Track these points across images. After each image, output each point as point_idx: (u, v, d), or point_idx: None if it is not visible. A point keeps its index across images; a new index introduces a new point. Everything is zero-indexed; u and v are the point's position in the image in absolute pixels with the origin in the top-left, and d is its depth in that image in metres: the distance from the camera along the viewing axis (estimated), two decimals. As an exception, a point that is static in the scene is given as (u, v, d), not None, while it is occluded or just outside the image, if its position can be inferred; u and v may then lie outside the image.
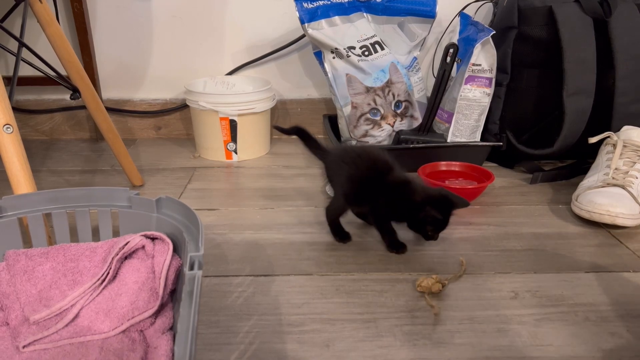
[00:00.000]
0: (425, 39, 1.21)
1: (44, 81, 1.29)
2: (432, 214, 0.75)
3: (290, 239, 0.86)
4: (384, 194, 0.79)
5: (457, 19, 1.21)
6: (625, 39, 1.02)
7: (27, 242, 0.67)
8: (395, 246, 0.81)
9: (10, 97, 0.71)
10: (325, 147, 0.89)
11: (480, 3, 1.26)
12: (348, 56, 1.12)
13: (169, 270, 0.60)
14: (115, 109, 1.38)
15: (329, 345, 0.61)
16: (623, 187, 0.90)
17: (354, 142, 1.16)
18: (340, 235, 0.85)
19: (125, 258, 0.63)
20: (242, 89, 1.33)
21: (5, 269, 0.62)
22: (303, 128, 0.88)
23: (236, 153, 1.24)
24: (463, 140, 1.13)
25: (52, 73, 0.96)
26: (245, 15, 1.32)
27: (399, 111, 1.14)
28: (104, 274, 0.61)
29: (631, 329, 0.64)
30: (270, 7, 1.31)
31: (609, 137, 0.99)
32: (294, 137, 0.90)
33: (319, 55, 1.18)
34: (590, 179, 0.96)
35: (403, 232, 0.87)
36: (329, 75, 1.15)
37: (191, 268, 0.52)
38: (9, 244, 0.64)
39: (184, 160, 1.25)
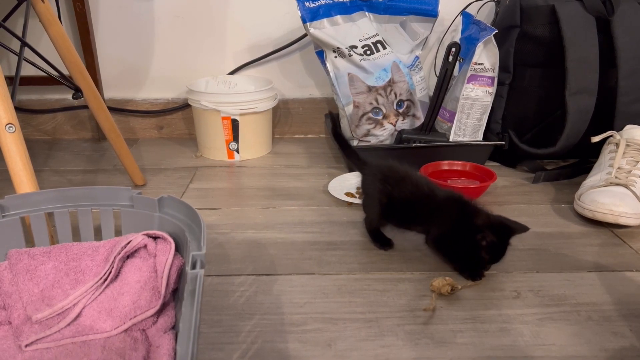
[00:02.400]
0: (427, 38, 1.21)
1: (47, 81, 1.29)
2: (490, 239, 0.70)
3: (292, 238, 0.86)
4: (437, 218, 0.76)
5: (459, 18, 1.21)
6: (627, 38, 1.01)
7: (30, 242, 0.67)
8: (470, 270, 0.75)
9: (12, 96, 0.71)
10: (363, 158, 0.87)
11: (482, 2, 1.26)
12: (350, 55, 1.12)
13: (171, 269, 0.60)
14: (118, 109, 1.38)
15: (331, 344, 0.61)
16: (626, 186, 0.90)
17: (355, 142, 1.16)
18: (380, 241, 0.83)
19: (128, 257, 0.63)
20: (244, 88, 1.33)
21: (7, 268, 0.62)
22: (342, 135, 0.88)
23: (238, 152, 1.24)
24: (465, 139, 1.13)
25: (54, 73, 0.96)
26: (247, 14, 1.32)
27: (401, 110, 1.14)
28: (106, 273, 0.61)
29: (634, 328, 0.64)
30: (272, 6, 1.31)
31: (611, 136, 0.99)
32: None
33: (320, 54, 1.18)
34: (593, 178, 0.96)
35: (404, 234, 0.87)
36: (331, 74, 1.15)
37: (193, 267, 0.52)
38: (12, 243, 0.65)
39: (186, 160, 1.25)
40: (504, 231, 0.72)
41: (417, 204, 0.77)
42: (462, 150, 1.12)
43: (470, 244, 0.72)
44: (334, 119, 0.86)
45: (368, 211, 0.85)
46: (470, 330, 0.63)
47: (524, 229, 0.72)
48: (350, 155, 0.89)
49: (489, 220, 0.72)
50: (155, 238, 0.64)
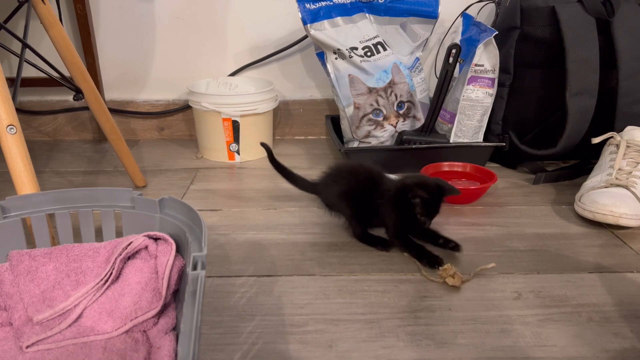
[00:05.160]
0: (427, 39, 1.21)
1: (47, 82, 1.30)
2: (419, 193, 0.75)
3: (293, 239, 0.86)
4: (383, 200, 0.79)
5: (460, 20, 1.21)
6: (628, 39, 1.01)
7: (31, 243, 0.67)
8: (430, 259, 0.77)
9: (13, 98, 0.71)
10: (309, 180, 0.90)
11: (482, 3, 1.26)
12: (350, 57, 1.12)
13: (172, 270, 0.60)
14: (118, 110, 1.38)
15: (332, 345, 0.61)
16: (626, 187, 0.90)
17: (356, 143, 1.16)
18: (378, 243, 0.83)
19: (129, 258, 0.63)
20: (244, 89, 1.34)
21: (8, 269, 0.62)
22: (280, 164, 0.91)
23: (239, 154, 1.24)
24: (466, 140, 1.13)
25: (55, 74, 0.96)
26: (247, 16, 1.32)
27: (401, 112, 1.14)
28: (107, 274, 0.61)
29: (635, 329, 0.64)
30: (273, 8, 1.31)
31: (612, 137, 0.99)
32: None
33: (321, 56, 1.18)
34: (594, 179, 0.96)
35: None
36: (332, 75, 1.15)
37: (194, 268, 0.52)
38: (13, 245, 0.65)
39: (187, 161, 1.25)
40: (432, 189, 0.77)
41: (369, 196, 0.81)
42: (463, 152, 1.12)
43: (407, 209, 0.77)
44: (268, 149, 0.90)
45: (348, 221, 0.86)
46: (471, 331, 0.63)
47: (455, 191, 0.79)
48: (296, 182, 0.91)
49: (422, 182, 0.78)
50: (156, 239, 0.64)
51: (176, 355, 0.53)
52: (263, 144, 0.90)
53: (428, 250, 0.78)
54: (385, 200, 0.80)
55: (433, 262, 0.76)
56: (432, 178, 0.81)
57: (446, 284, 0.72)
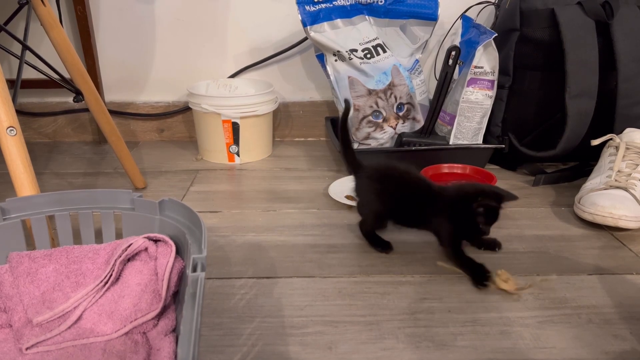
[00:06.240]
0: (427, 41, 1.21)
1: (47, 84, 1.30)
2: (486, 203, 0.73)
3: (293, 241, 0.86)
4: (435, 209, 0.77)
5: (459, 22, 1.21)
6: (627, 42, 1.02)
7: (31, 244, 0.67)
8: (480, 274, 0.74)
9: (13, 99, 0.71)
10: (359, 161, 0.86)
11: (482, 6, 1.26)
12: (350, 59, 1.12)
13: (171, 272, 0.60)
14: (118, 112, 1.38)
15: (332, 347, 0.61)
16: (626, 189, 0.90)
17: (356, 145, 1.16)
18: (379, 245, 0.83)
19: (128, 260, 0.63)
20: (244, 91, 1.34)
21: (8, 271, 0.62)
22: (348, 131, 0.86)
23: (238, 155, 1.24)
24: (465, 142, 1.13)
25: (55, 76, 0.96)
26: (247, 18, 1.33)
27: (401, 113, 1.14)
28: (106, 276, 0.61)
29: (634, 331, 0.64)
30: (273, 9, 1.31)
31: (611, 139, 0.99)
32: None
33: (321, 57, 1.19)
34: (593, 181, 0.96)
35: (406, 234, 0.87)
36: (331, 77, 1.15)
37: (194, 270, 0.52)
38: (13, 246, 0.65)
39: (187, 163, 1.25)
40: (495, 197, 0.75)
41: (416, 202, 0.79)
42: (462, 153, 1.12)
43: (468, 219, 0.75)
44: (347, 109, 0.85)
45: (363, 214, 0.85)
46: (470, 333, 0.63)
47: (513, 197, 0.76)
48: (348, 155, 0.87)
49: (480, 189, 0.76)
50: (156, 241, 0.64)
51: (176, 356, 0.53)
52: (346, 100, 0.86)
53: (479, 263, 0.75)
54: (439, 209, 0.77)
55: (482, 279, 0.73)
56: (487, 185, 0.79)
57: (501, 290, 0.71)
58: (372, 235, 0.84)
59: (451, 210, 0.76)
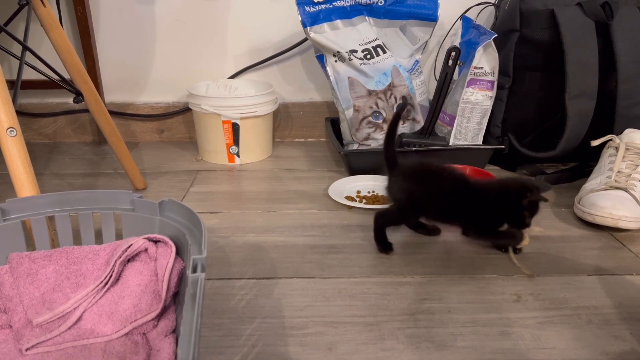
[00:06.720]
0: (427, 42, 1.21)
1: (48, 85, 1.30)
2: (536, 197, 0.75)
3: (293, 241, 0.86)
4: (474, 203, 0.78)
5: (459, 22, 1.21)
6: (627, 42, 1.02)
7: (31, 245, 0.67)
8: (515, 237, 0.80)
9: (14, 100, 0.71)
10: (396, 156, 0.84)
11: (482, 6, 1.26)
12: (350, 59, 1.12)
13: (171, 273, 0.60)
14: (118, 112, 1.38)
15: (332, 348, 0.61)
16: (626, 189, 0.90)
17: (356, 145, 1.16)
18: (384, 245, 0.83)
19: (128, 261, 0.63)
20: (244, 92, 1.34)
21: (8, 271, 0.62)
22: (397, 123, 0.85)
23: (238, 156, 1.24)
24: (465, 143, 1.13)
25: (55, 77, 0.96)
26: (247, 18, 1.33)
27: (401, 114, 1.14)
28: (106, 276, 0.61)
29: (634, 332, 0.64)
30: (273, 10, 1.31)
31: (611, 140, 0.99)
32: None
33: (321, 58, 1.19)
34: (593, 181, 0.96)
35: (406, 234, 0.87)
36: (331, 78, 1.15)
37: (194, 271, 0.52)
38: (13, 247, 0.65)
39: (187, 164, 1.25)
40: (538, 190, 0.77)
41: (455, 196, 0.79)
42: (462, 154, 1.12)
43: (513, 211, 0.77)
44: (404, 104, 0.85)
45: (393, 211, 0.83)
46: (470, 334, 0.63)
47: (548, 187, 0.80)
48: (388, 148, 0.84)
49: (523, 184, 0.77)
50: (156, 242, 0.64)
51: (176, 357, 0.53)
52: (404, 97, 0.85)
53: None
54: (483, 205, 0.78)
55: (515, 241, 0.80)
56: (526, 178, 0.83)
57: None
58: (382, 231, 0.84)
59: (496, 204, 0.77)
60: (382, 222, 0.84)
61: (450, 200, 0.79)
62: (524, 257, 0.81)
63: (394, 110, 1.13)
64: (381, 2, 1.15)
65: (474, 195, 0.78)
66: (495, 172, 1.14)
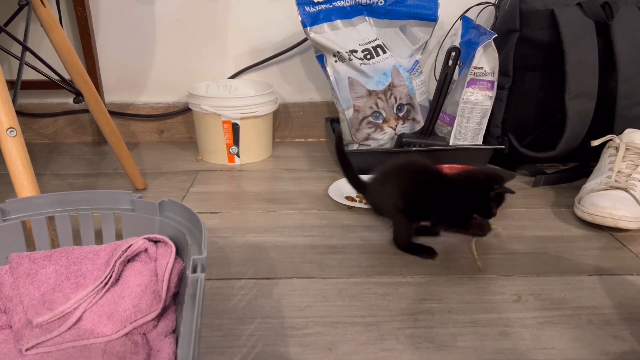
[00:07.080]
0: (427, 42, 1.21)
1: (48, 85, 1.30)
2: (504, 190, 0.77)
3: (293, 242, 0.86)
4: (445, 196, 0.78)
5: (459, 23, 1.21)
6: (627, 42, 1.02)
7: (31, 245, 0.67)
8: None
9: (14, 100, 0.71)
10: (360, 179, 0.86)
11: (482, 6, 1.26)
12: (350, 59, 1.12)
13: (171, 273, 0.60)
14: (118, 113, 1.39)
15: (332, 348, 0.61)
16: (626, 189, 0.90)
17: (356, 146, 1.16)
18: (426, 251, 0.81)
19: (128, 261, 0.63)
20: (244, 92, 1.34)
21: (8, 272, 0.62)
22: (347, 156, 0.87)
23: (238, 156, 1.24)
24: (465, 143, 1.13)
25: (55, 77, 0.96)
26: (247, 18, 1.33)
27: (401, 114, 1.14)
28: (106, 277, 0.61)
29: (635, 332, 0.64)
30: (273, 10, 1.31)
31: (611, 140, 0.99)
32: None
33: (321, 58, 1.19)
34: (593, 181, 0.96)
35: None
36: (331, 78, 1.15)
37: (194, 271, 0.52)
38: (13, 247, 0.65)
39: (187, 164, 1.25)
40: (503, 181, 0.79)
41: (426, 190, 0.79)
42: (462, 154, 1.12)
43: (477, 203, 0.78)
44: (339, 139, 0.87)
45: (394, 225, 0.83)
46: (470, 334, 0.63)
47: (512, 175, 0.83)
48: (349, 175, 0.87)
49: (492, 174, 0.79)
50: (156, 242, 0.64)
51: (176, 357, 0.53)
52: (337, 132, 0.86)
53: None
54: (453, 195, 0.78)
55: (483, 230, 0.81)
56: (490, 168, 0.84)
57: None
58: (410, 247, 0.82)
59: (465, 195, 0.78)
60: (401, 241, 0.83)
61: (423, 194, 0.79)
62: (483, 251, 0.82)
63: (394, 110, 1.14)
64: (381, 2, 1.15)
65: (444, 187, 0.79)
66: (495, 172, 1.14)
